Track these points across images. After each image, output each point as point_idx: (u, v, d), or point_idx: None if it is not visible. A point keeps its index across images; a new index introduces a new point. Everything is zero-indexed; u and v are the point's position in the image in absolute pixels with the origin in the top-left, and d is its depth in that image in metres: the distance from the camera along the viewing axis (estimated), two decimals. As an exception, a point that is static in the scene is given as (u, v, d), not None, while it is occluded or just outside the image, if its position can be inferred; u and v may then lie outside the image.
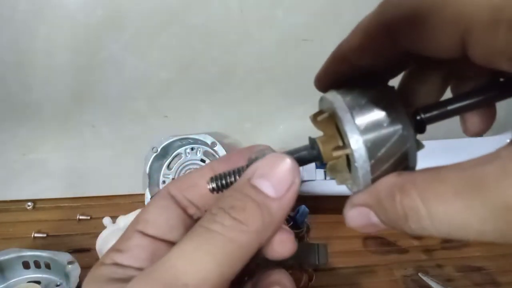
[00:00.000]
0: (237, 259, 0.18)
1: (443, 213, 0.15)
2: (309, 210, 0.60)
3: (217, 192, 0.22)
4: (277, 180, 0.19)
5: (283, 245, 0.22)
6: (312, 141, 0.21)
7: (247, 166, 0.21)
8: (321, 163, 0.22)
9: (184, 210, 0.23)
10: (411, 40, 0.18)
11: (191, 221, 0.24)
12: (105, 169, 0.70)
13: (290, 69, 0.65)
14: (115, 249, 0.22)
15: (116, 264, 0.21)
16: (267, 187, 0.19)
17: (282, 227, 0.22)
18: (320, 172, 0.65)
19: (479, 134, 0.22)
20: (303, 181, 0.63)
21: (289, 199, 0.19)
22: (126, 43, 0.61)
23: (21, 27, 0.58)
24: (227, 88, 0.67)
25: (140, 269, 0.21)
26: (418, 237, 0.64)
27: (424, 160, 0.20)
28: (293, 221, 0.59)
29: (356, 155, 0.18)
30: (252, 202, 0.19)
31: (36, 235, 0.63)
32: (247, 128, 0.71)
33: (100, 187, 0.69)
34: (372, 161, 0.18)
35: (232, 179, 0.21)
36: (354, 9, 0.58)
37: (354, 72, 0.20)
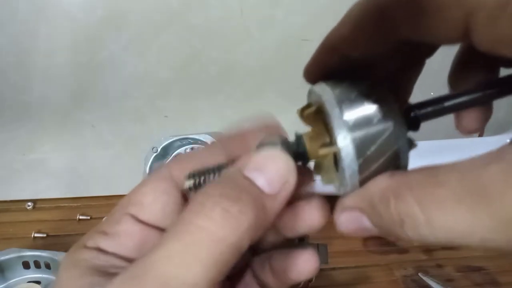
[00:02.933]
0: (226, 261, 0.16)
1: (443, 221, 0.14)
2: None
3: (195, 191, 0.19)
4: (272, 176, 0.17)
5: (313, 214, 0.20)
6: (298, 137, 0.20)
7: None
8: (306, 162, 0.20)
9: (184, 194, 0.21)
10: (408, 25, 0.16)
11: None
12: (105, 169, 0.70)
13: (290, 69, 0.65)
14: (101, 231, 0.20)
15: (100, 250, 0.19)
16: (262, 181, 0.17)
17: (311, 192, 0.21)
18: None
19: (474, 132, 0.21)
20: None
21: (283, 198, 0.18)
22: (126, 43, 0.61)
23: (21, 27, 0.58)
24: (227, 88, 0.67)
25: (125, 259, 0.19)
26: (418, 237, 0.64)
27: (420, 161, 0.19)
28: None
29: (343, 153, 0.17)
30: (247, 194, 0.17)
31: (36, 235, 0.63)
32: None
33: (100, 187, 0.69)
34: (361, 160, 0.17)
35: (211, 177, 0.19)
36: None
37: (345, 63, 0.19)
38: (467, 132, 0.21)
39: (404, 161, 0.18)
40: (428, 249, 0.63)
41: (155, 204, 0.20)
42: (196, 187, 0.20)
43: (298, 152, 0.19)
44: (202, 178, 0.19)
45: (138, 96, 0.66)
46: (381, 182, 0.17)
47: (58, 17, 0.58)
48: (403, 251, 0.63)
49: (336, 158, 0.18)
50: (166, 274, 0.15)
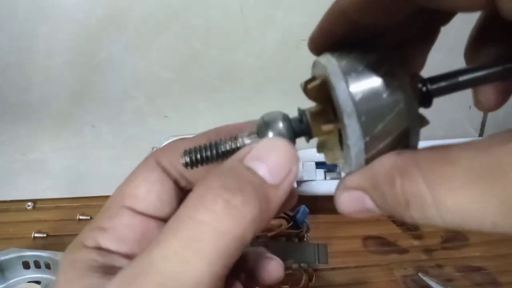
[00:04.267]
0: (230, 255, 0.15)
1: (453, 202, 0.13)
2: (309, 210, 0.60)
3: (192, 168, 0.19)
4: (274, 165, 0.16)
5: (272, 273, 0.21)
6: (301, 112, 0.18)
7: (236, 138, 0.18)
8: (309, 138, 0.19)
9: (175, 182, 0.21)
10: None
11: (183, 194, 0.21)
12: (105, 169, 0.70)
13: (290, 69, 0.65)
14: (98, 227, 0.19)
15: (100, 249, 0.19)
16: (264, 171, 0.16)
17: (269, 256, 0.21)
18: (320, 172, 0.65)
19: (493, 109, 0.20)
20: (303, 181, 0.63)
21: (286, 188, 0.17)
22: (126, 43, 0.61)
23: (21, 27, 0.58)
24: (227, 88, 0.68)
25: (125, 255, 0.19)
26: (418, 237, 0.64)
27: None
28: (293, 221, 0.59)
29: (349, 130, 0.16)
30: (249, 184, 0.16)
31: (36, 235, 0.63)
32: (247, 128, 0.71)
33: (100, 187, 0.69)
34: (367, 138, 0.16)
35: (208, 153, 0.18)
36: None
37: (353, 32, 0.17)
38: (485, 109, 0.20)
39: (414, 140, 0.16)
40: (428, 249, 0.63)
41: (150, 194, 0.20)
42: (193, 163, 0.19)
43: (301, 128, 0.18)
44: (199, 154, 0.19)
45: (138, 96, 0.66)
46: (387, 160, 0.15)
47: (58, 17, 0.58)
48: (403, 251, 0.63)
49: (341, 135, 0.17)
50: (165, 273, 0.14)
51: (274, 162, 0.17)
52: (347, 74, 0.16)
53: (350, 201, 0.17)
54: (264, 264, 0.22)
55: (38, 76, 0.62)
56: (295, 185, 0.61)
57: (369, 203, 0.16)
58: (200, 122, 0.70)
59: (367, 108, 0.16)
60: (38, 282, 0.53)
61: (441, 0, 0.15)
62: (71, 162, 0.70)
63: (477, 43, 0.20)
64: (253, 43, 0.64)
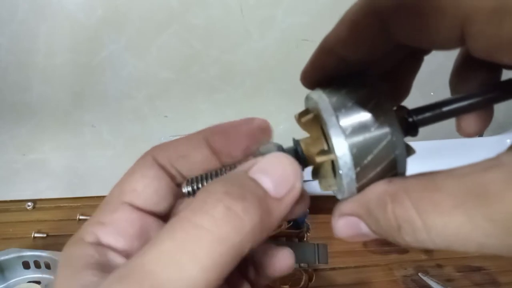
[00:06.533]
0: (226, 263, 0.15)
1: (441, 226, 0.14)
2: (309, 210, 0.60)
3: (193, 196, 0.19)
4: (278, 179, 0.17)
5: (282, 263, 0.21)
6: (296, 143, 0.20)
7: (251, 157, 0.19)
8: (304, 167, 0.20)
9: (172, 178, 0.21)
10: (404, 30, 0.16)
11: (179, 190, 0.21)
12: (105, 169, 0.70)
13: (290, 69, 0.65)
14: (98, 221, 0.19)
15: (98, 244, 0.19)
16: (268, 184, 0.17)
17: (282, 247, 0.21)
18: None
19: (474, 135, 0.21)
20: (303, 181, 0.63)
21: (288, 203, 0.17)
22: (126, 43, 0.61)
23: (21, 27, 0.58)
24: (227, 88, 0.68)
25: (123, 252, 0.19)
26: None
27: (420, 161, 0.19)
28: (293, 221, 0.59)
29: (341, 162, 0.17)
30: (252, 194, 0.16)
31: (36, 235, 0.63)
32: (247, 128, 0.71)
33: (100, 187, 0.70)
34: (358, 168, 0.17)
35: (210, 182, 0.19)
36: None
37: (342, 66, 0.18)
38: (467, 135, 0.21)
39: (401, 168, 0.17)
40: (428, 249, 0.63)
41: (148, 189, 0.20)
42: (195, 191, 0.19)
43: (297, 157, 0.19)
44: (200, 184, 0.19)
45: (138, 96, 0.66)
46: (379, 188, 0.17)
47: (58, 17, 0.58)
48: (403, 251, 0.63)
49: (334, 164, 0.18)
50: (156, 275, 0.14)
51: (278, 176, 0.17)
52: (337, 110, 0.17)
53: (346, 227, 0.18)
54: (274, 254, 0.22)
55: (38, 76, 0.62)
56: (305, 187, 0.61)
57: (364, 228, 0.17)
58: (200, 122, 0.70)
59: (357, 141, 0.17)
60: (38, 282, 0.53)
61: (417, 40, 0.16)
62: (71, 162, 0.70)
63: (460, 73, 0.21)
64: (253, 43, 0.64)
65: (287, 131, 0.72)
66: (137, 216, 0.20)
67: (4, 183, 0.69)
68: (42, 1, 0.57)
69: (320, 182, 0.20)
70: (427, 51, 0.21)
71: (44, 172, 0.70)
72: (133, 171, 0.21)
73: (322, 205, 0.67)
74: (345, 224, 0.18)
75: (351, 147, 0.17)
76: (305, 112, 0.19)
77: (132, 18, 0.60)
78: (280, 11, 0.62)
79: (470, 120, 0.20)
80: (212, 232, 0.15)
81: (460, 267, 0.60)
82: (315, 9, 0.61)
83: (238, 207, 0.15)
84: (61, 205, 0.70)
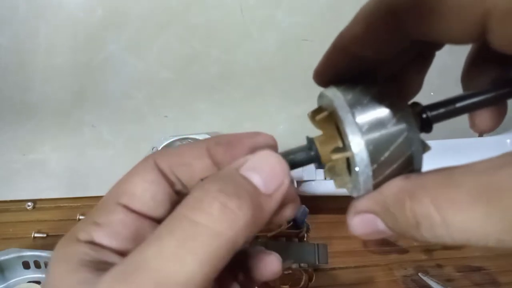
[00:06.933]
0: (221, 257, 0.16)
1: (460, 222, 0.14)
2: (309, 210, 0.60)
3: None
4: (268, 176, 0.17)
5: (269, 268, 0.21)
6: (310, 141, 0.20)
7: None
8: (319, 165, 0.20)
9: (171, 185, 0.21)
10: (421, 26, 0.16)
11: (177, 197, 0.21)
12: (105, 169, 0.70)
13: (290, 69, 0.65)
14: (93, 221, 0.19)
15: (93, 243, 0.19)
16: (258, 181, 0.17)
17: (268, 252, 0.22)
18: (320, 172, 0.64)
19: (488, 131, 0.21)
20: (303, 181, 0.63)
21: (278, 199, 0.18)
22: (126, 43, 0.61)
23: (21, 27, 0.58)
24: (227, 88, 0.67)
25: (117, 252, 0.19)
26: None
27: (426, 161, 0.19)
28: (293, 221, 0.59)
29: (357, 159, 0.17)
30: (245, 191, 0.17)
31: (36, 235, 0.63)
32: (247, 128, 0.71)
33: (100, 187, 0.69)
34: (375, 165, 0.17)
35: None
36: (354, 9, 0.58)
37: (356, 64, 0.19)
38: (481, 132, 0.21)
39: (418, 164, 0.18)
40: (428, 249, 0.63)
41: (145, 193, 0.20)
42: None
43: (311, 156, 0.19)
44: None
45: (138, 96, 0.66)
46: (396, 185, 0.17)
47: (58, 17, 0.58)
48: (403, 251, 0.63)
49: (349, 162, 0.18)
50: (158, 270, 0.15)
51: (267, 173, 0.18)
52: (353, 107, 0.17)
53: (362, 224, 0.18)
54: (261, 259, 0.22)
55: (38, 76, 0.62)
56: (296, 186, 0.62)
57: (380, 225, 0.17)
58: (200, 122, 0.70)
59: (374, 138, 0.17)
60: (38, 282, 0.53)
61: (433, 35, 0.16)
62: (71, 162, 0.70)
63: (472, 69, 0.21)
64: (253, 43, 0.64)
65: (287, 131, 0.72)
66: (132, 219, 0.20)
67: (4, 183, 0.69)
68: (42, 1, 0.57)
69: (335, 180, 0.20)
70: (440, 46, 0.21)
71: (44, 172, 0.70)
72: (133, 173, 0.21)
73: (322, 205, 0.67)
74: (361, 222, 0.18)
75: (368, 144, 0.17)
76: (319, 110, 0.19)
77: (132, 18, 0.60)
78: (280, 11, 0.62)
79: (484, 116, 0.20)
80: (209, 228, 0.15)
81: (460, 267, 0.60)
82: (315, 9, 0.61)
83: (233, 204, 0.16)
84: (61, 205, 0.70)
